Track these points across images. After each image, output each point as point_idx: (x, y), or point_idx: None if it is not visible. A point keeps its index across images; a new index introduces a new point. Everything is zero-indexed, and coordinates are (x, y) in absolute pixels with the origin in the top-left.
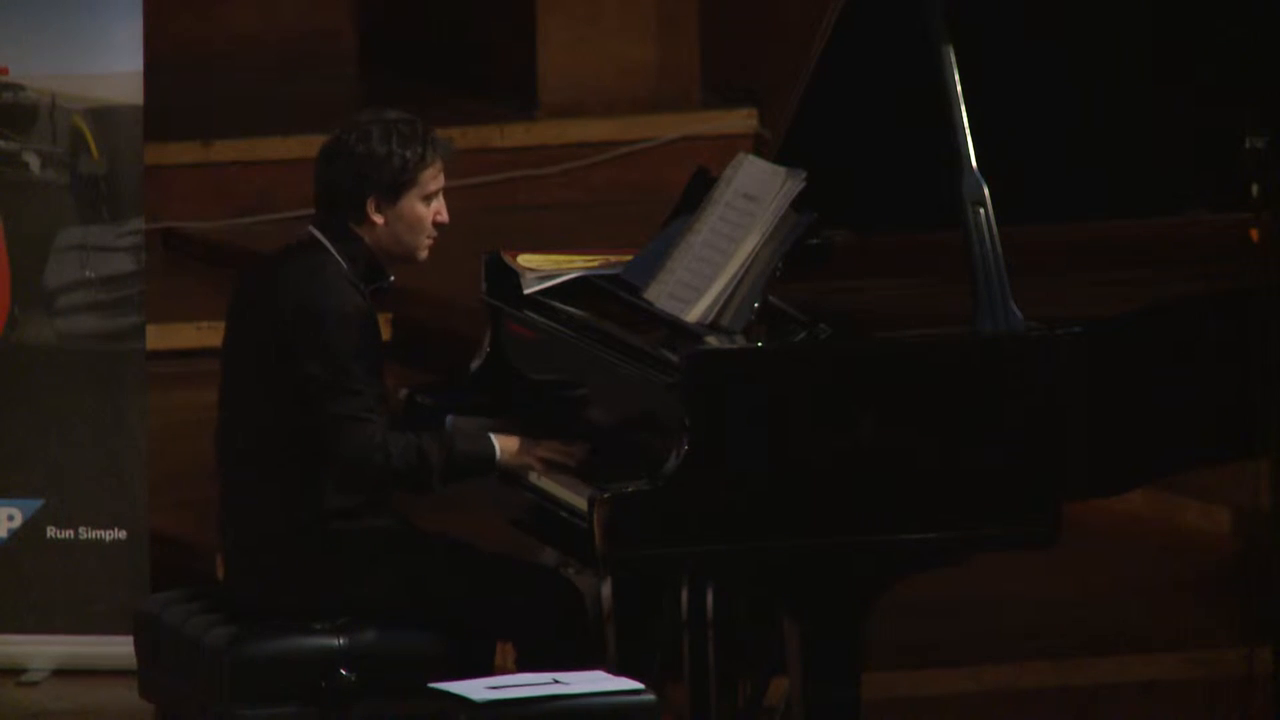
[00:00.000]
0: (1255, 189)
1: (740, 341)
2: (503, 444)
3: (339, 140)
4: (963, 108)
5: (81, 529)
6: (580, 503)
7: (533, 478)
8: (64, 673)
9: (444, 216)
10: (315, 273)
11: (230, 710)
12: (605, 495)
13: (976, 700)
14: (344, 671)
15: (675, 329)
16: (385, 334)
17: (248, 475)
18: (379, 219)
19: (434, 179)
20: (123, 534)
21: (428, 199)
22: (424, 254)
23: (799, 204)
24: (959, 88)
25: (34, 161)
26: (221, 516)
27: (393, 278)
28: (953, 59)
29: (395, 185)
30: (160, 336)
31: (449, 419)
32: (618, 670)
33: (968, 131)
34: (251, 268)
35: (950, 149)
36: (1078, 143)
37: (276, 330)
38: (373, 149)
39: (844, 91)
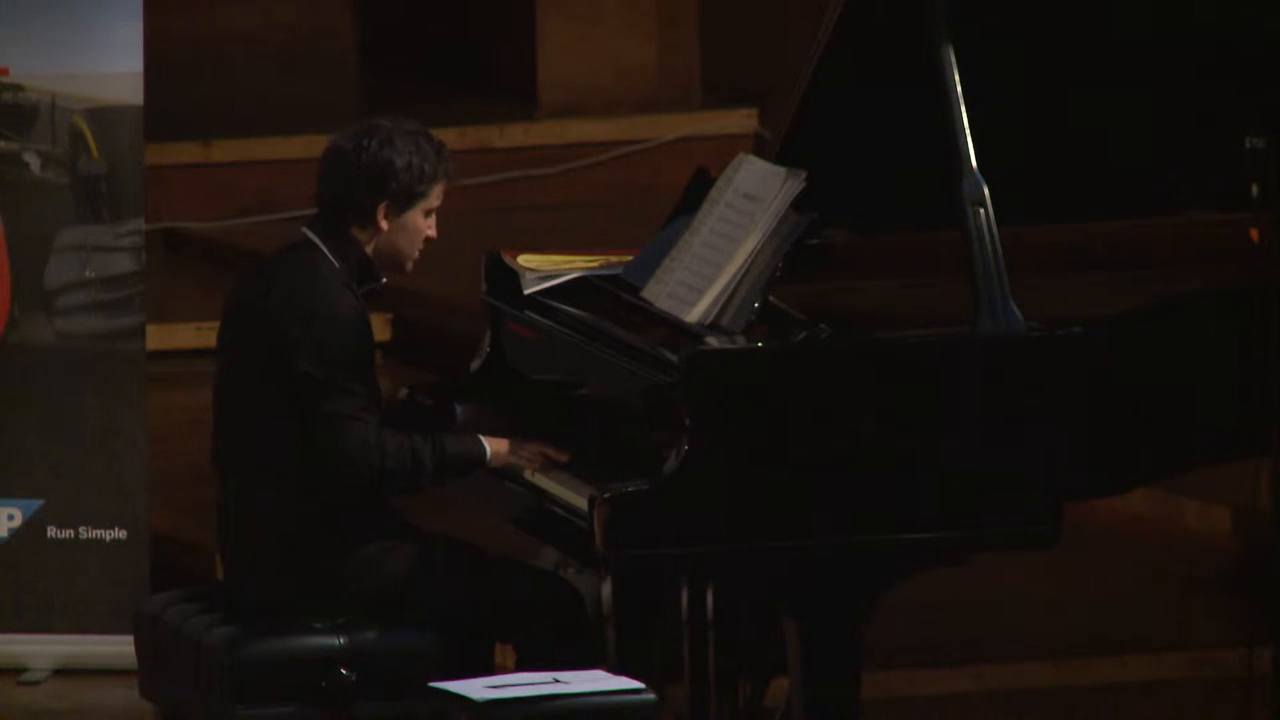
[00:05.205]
0: (1255, 189)
1: (740, 341)
2: (493, 445)
3: (358, 143)
4: (963, 108)
5: (81, 529)
6: (579, 502)
7: (529, 475)
8: (64, 673)
9: (434, 232)
10: (309, 273)
11: (230, 710)
12: (605, 495)
13: (976, 700)
14: (344, 671)
15: (675, 329)
16: (385, 334)
17: (245, 476)
18: (384, 225)
19: (439, 196)
20: (123, 534)
21: (429, 213)
22: (410, 266)
23: (799, 204)
24: (959, 88)
25: (34, 161)
26: (220, 517)
27: (384, 279)
28: (953, 59)
29: (410, 195)
30: (160, 336)
31: (457, 407)
32: (618, 670)
33: (968, 131)
34: (246, 270)
35: (950, 149)
36: (1078, 142)
37: (270, 330)
38: (395, 158)
39: (844, 91)
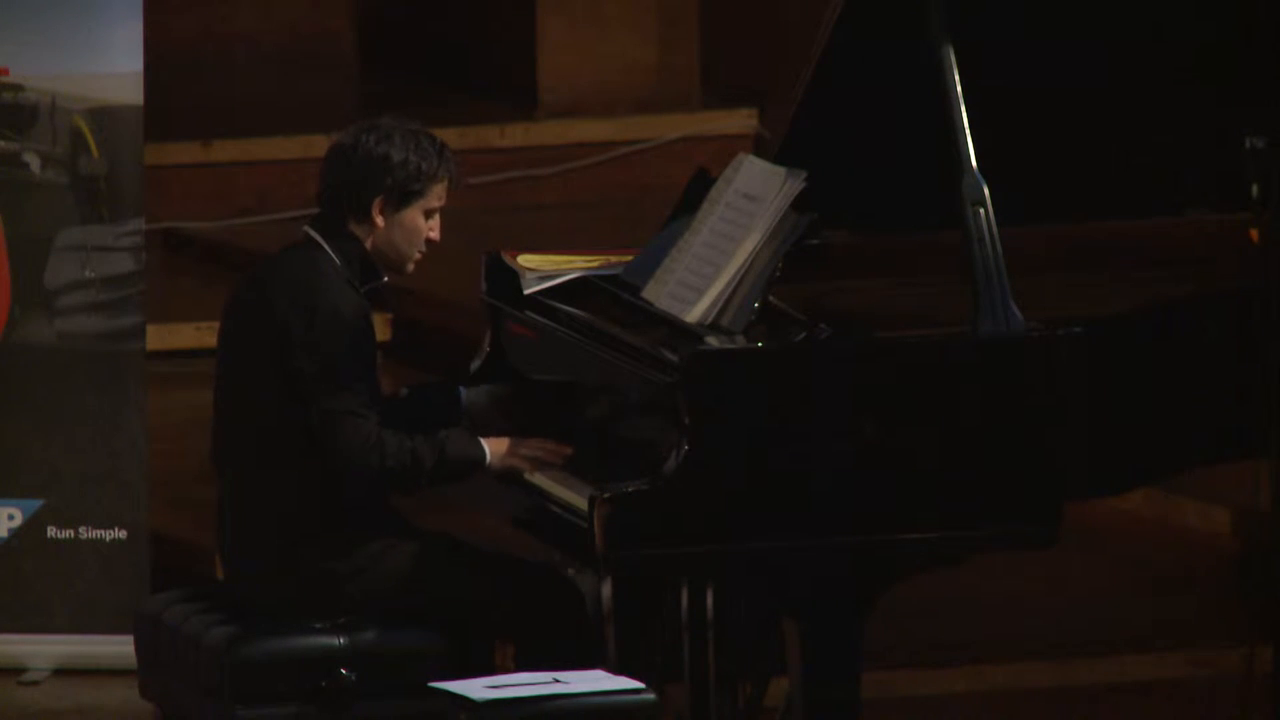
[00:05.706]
0: (1255, 189)
1: (740, 341)
2: (492, 447)
3: (357, 139)
4: (963, 108)
5: (81, 529)
6: (579, 502)
7: (528, 476)
8: (64, 673)
9: (436, 235)
10: (311, 270)
11: (230, 710)
12: (605, 495)
13: (976, 700)
14: (344, 671)
15: (675, 329)
16: (385, 334)
17: (245, 474)
18: (380, 221)
19: (439, 196)
20: (123, 534)
21: (429, 214)
22: (411, 268)
23: (799, 204)
24: (959, 88)
25: (34, 161)
26: (220, 517)
27: (385, 278)
28: (953, 59)
29: (405, 192)
30: (160, 336)
31: (461, 390)
32: (618, 670)
33: (968, 132)
34: (249, 268)
35: (950, 149)
36: (1078, 142)
37: (272, 328)
38: (392, 152)
39: (844, 91)
